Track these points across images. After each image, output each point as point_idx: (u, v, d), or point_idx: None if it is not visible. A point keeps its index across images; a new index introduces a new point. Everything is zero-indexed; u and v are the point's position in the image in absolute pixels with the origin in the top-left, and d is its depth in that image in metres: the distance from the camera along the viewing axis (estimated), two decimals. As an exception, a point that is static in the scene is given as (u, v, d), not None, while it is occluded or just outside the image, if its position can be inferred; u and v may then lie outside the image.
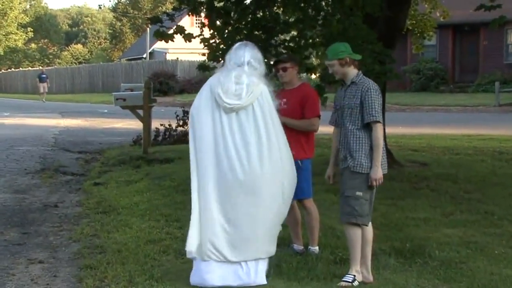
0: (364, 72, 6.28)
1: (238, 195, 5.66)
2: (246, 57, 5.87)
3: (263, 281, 5.74)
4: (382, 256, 6.50)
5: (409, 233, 7.41)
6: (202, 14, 11.66)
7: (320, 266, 6.11)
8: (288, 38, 11.26)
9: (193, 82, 41.19)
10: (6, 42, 75.23)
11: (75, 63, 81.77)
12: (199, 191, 5.74)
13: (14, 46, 76.63)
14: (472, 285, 5.75)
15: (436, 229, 7.68)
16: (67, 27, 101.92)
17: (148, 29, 55.31)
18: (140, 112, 14.83)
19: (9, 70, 76.19)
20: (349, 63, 5.83)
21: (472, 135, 18.36)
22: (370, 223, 5.88)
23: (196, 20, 40.12)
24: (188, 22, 33.26)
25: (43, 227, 8.22)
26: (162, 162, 13.17)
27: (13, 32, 75.69)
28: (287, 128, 6.24)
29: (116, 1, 75.45)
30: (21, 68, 75.55)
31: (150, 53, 55.58)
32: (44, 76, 47.80)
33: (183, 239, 6.22)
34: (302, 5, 10.74)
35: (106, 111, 31.54)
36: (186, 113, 14.89)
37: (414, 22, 17.77)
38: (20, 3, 77.94)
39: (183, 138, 14.97)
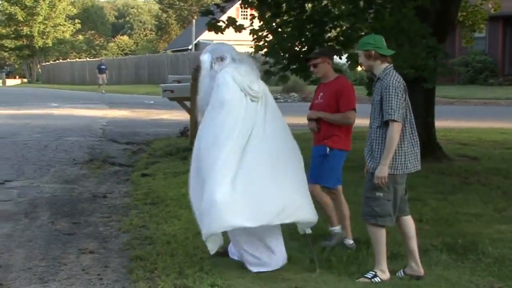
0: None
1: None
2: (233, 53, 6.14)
3: None
4: (433, 252, 6.41)
5: (461, 229, 7.29)
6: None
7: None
8: (336, 33, 11.08)
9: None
10: (55, 33, 76.29)
11: (121, 54, 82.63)
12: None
13: (62, 37, 77.63)
14: (528, 283, 5.61)
15: (488, 225, 7.54)
16: (114, 18, 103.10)
17: (194, 20, 55.49)
18: (187, 103, 14.86)
19: (57, 61, 77.36)
20: (375, 57, 5.68)
21: (523, 129, 18.00)
22: (409, 218, 5.78)
23: (242, 12, 40.27)
24: (234, 14, 33.27)
25: (93, 217, 8.30)
26: (209, 153, 13.13)
27: (61, 24, 76.73)
28: (322, 121, 6.47)
29: (162, -7, 76.08)
30: (68, 60, 76.65)
31: (195, 44, 55.60)
32: (103, 67, 45.59)
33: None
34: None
35: (152, 102, 31.77)
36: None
37: (465, 14, 17.41)
38: (68, -5, 79.04)
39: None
